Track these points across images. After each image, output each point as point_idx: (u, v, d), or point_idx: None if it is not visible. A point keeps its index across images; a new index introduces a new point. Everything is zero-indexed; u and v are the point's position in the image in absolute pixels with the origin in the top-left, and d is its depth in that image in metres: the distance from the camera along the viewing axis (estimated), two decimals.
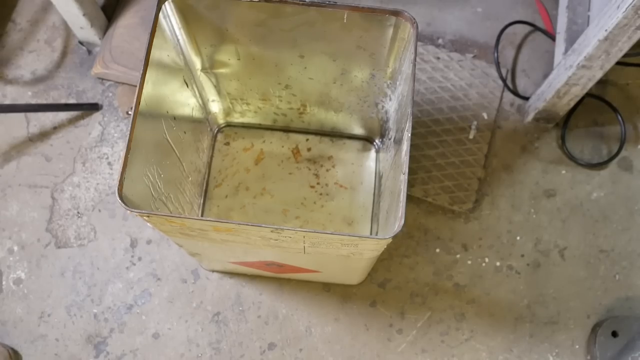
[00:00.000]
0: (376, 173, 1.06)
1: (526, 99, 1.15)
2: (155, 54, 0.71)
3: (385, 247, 0.73)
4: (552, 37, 1.17)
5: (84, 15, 1.09)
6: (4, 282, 1.03)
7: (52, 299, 1.02)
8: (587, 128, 1.14)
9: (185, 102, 0.90)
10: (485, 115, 1.14)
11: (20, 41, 1.20)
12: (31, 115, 1.14)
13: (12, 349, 1.00)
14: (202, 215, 1.03)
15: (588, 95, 1.08)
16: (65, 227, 1.07)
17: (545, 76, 1.07)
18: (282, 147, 1.08)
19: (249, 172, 1.06)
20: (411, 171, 1.08)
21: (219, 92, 0.98)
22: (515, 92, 1.16)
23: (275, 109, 1.01)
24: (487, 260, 1.05)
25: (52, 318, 1.01)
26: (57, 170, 1.10)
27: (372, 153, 1.07)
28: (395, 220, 0.68)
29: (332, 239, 0.67)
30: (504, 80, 1.16)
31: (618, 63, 0.91)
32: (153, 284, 1.03)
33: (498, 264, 1.05)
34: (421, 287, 1.04)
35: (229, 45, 0.85)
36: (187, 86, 0.89)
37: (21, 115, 1.14)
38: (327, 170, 1.06)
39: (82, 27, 1.13)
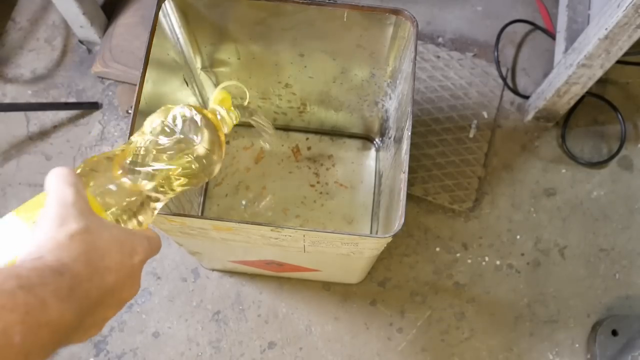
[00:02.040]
0: (376, 172, 1.06)
1: (526, 97, 1.15)
2: (155, 52, 0.71)
3: (385, 246, 0.73)
4: (552, 36, 1.17)
5: (83, 14, 1.09)
6: None
7: None
8: (587, 127, 1.14)
9: (185, 100, 0.89)
10: (485, 114, 1.14)
11: (20, 40, 1.20)
12: (31, 114, 1.14)
13: None
14: (202, 214, 1.03)
15: (588, 94, 1.08)
16: None
17: (546, 75, 1.07)
18: (282, 146, 1.08)
19: (249, 171, 1.06)
20: (411, 170, 1.08)
21: None
22: (515, 91, 1.16)
23: (275, 107, 1.01)
24: (487, 259, 1.05)
25: None
26: None
27: (372, 152, 1.07)
28: (395, 219, 0.68)
29: (332, 237, 0.67)
30: (504, 79, 1.16)
31: (618, 62, 0.91)
32: (153, 282, 1.03)
33: (498, 262, 1.05)
34: (421, 286, 1.04)
35: (229, 44, 0.85)
36: (187, 85, 0.89)
37: (21, 114, 1.14)
38: (327, 169, 1.06)
39: (82, 26, 1.13)
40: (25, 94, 1.16)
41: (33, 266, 0.35)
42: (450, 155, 1.10)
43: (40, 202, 0.43)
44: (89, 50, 1.19)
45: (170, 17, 0.77)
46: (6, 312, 0.31)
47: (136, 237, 0.43)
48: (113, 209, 0.47)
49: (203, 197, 1.04)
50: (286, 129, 1.08)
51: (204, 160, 0.54)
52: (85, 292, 0.37)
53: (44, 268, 0.35)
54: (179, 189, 0.53)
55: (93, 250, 0.39)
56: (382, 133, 1.03)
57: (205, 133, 0.55)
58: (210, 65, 0.90)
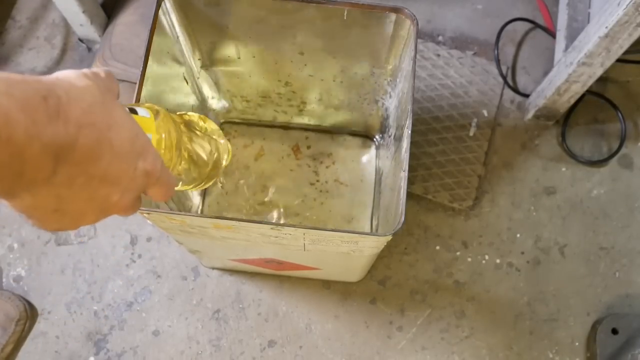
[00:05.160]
0: (376, 170, 1.06)
1: (526, 96, 1.15)
2: (155, 51, 0.71)
3: (385, 244, 0.73)
4: (553, 35, 1.17)
5: (83, 12, 1.09)
6: (4, 280, 1.03)
7: (52, 296, 1.02)
8: (588, 125, 1.14)
9: (185, 99, 0.89)
10: (485, 113, 1.14)
11: (20, 38, 1.20)
12: None
13: (28, 302, 1.01)
14: (202, 213, 1.03)
15: (588, 92, 1.08)
16: None
17: (546, 73, 1.07)
18: (282, 144, 1.08)
19: (249, 169, 1.06)
20: (411, 168, 1.08)
21: (218, 89, 0.98)
22: (515, 90, 1.16)
23: (275, 106, 1.01)
24: (487, 257, 1.05)
25: (52, 315, 1.01)
26: None
27: (372, 150, 1.07)
28: (395, 218, 0.68)
29: (332, 236, 0.67)
30: (504, 78, 1.16)
31: (618, 60, 0.91)
32: (153, 281, 1.03)
33: (498, 261, 1.05)
34: (421, 284, 1.04)
35: (229, 42, 0.85)
36: (187, 83, 0.89)
37: None
38: (327, 167, 1.06)
39: (82, 25, 1.13)
40: None
41: (6, 76, 0.29)
42: (451, 154, 1.10)
43: None
44: (89, 49, 1.19)
45: (170, 15, 0.77)
46: None
47: (149, 142, 0.39)
48: (164, 135, 0.50)
49: (203, 196, 1.04)
50: (286, 127, 1.08)
51: (211, 161, 0.62)
52: (73, 143, 0.31)
53: (21, 82, 0.29)
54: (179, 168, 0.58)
55: (101, 112, 0.34)
56: (382, 131, 1.03)
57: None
58: (210, 63, 0.90)
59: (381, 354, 1.00)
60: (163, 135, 0.49)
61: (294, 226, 0.65)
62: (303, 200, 1.04)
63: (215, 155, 0.63)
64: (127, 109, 0.45)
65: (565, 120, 1.13)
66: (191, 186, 0.62)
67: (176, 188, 0.61)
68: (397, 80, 0.85)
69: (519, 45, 1.20)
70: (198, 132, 0.61)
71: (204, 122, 0.64)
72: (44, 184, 0.32)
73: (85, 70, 0.37)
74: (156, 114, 0.50)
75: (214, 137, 0.63)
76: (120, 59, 1.12)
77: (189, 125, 0.60)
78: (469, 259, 1.05)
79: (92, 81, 0.35)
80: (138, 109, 0.48)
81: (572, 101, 1.04)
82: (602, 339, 0.97)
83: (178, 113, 0.61)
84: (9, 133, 0.27)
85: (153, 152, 0.39)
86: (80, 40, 1.19)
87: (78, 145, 0.32)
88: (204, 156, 0.61)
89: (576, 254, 1.06)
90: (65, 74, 0.35)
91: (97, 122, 0.33)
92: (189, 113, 0.63)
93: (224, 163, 0.65)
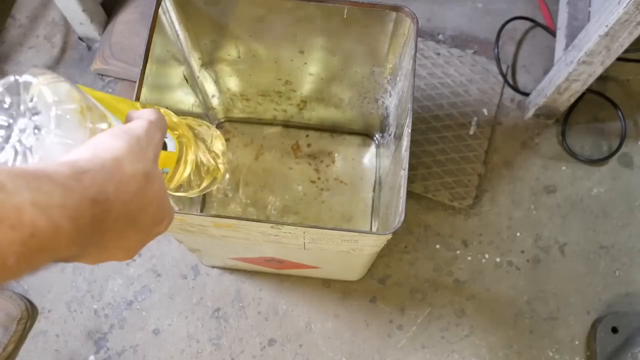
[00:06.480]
0: (376, 169, 1.06)
1: (526, 94, 1.14)
2: (154, 49, 0.71)
3: (385, 243, 0.73)
4: (553, 33, 1.17)
5: (83, 11, 1.09)
6: None
7: (53, 295, 1.02)
8: (588, 124, 1.14)
9: (185, 97, 0.89)
10: (485, 111, 1.14)
11: (20, 37, 1.20)
12: None
13: (29, 301, 1.01)
14: (201, 211, 1.03)
15: (588, 91, 1.08)
16: None
17: (546, 72, 1.07)
18: (282, 142, 1.08)
19: (249, 168, 1.06)
20: (411, 167, 1.08)
21: (218, 88, 0.98)
22: (515, 88, 1.16)
23: (275, 104, 1.01)
24: (487, 256, 1.05)
25: (52, 314, 1.02)
26: None
27: (372, 149, 1.07)
28: (395, 216, 0.68)
29: (332, 234, 0.67)
30: (504, 76, 1.16)
31: (619, 59, 0.91)
32: (153, 280, 1.03)
33: (498, 260, 1.05)
34: (421, 283, 1.04)
35: (229, 41, 0.84)
36: (187, 82, 0.89)
37: None
38: (327, 166, 1.06)
39: (82, 23, 1.13)
40: None
41: (64, 182, 0.30)
42: (451, 153, 1.10)
43: (127, 106, 0.43)
44: (89, 47, 1.19)
45: (169, 13, 0.77)
46: (5, 227, 0.27)
47: (169, 208, 0.40)
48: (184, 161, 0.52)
49: (202, 194, 1.04)
50: (286, 125, 1.08)
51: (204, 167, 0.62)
52: (104, 231, 0.33)
53: (75, 188, 0.30)
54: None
55: (139, 198, 0.35)
56: (382, 130, 1.03)
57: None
58: (210, 62, 0.90)
59: (381, 353, 1.00)
60: (184, 164, 0.52)
61: (294, 225, 0.65)
62: (303, 198, 1.04)
63: (215, 170, 0.64)
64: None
65: (566, 118, 1.13)
66: (187, 193, 0.63)
67: (173, 193, 0.62)
68: (397, 78, 0.85)
69: (519, 44, 1.20)
70: (206, 146, 0.62)
71: (214, 137, 0.64)
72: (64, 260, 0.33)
73: (141, 134, 0.37)
74: (184, 147, 0.52)
75: (218, 151, 0.64)
76: (120, 58, 1.12)
77: (200, 139, 0.61)
78: (469, 258, 1.05)
79: (142, 164, 0.36)
80: (169, 143, 0.49)
81: (572, 100, 1.04)
82: (602, 337, 0.98)
83: (194, 124, 0.62)
84: (54, 245, 0.29)
85: (169, 215, 0.40)
86: (80, 38, 1.19)
87: (108, 234, 0.33)
88: (205, 168, 0.62)
89: (576, 253, 1.06)
90: (121, 154, 0.35)
91: (132, 211, 0.34)
92: (203, 125, 0.63)
93: (218, 180, 0.66)
